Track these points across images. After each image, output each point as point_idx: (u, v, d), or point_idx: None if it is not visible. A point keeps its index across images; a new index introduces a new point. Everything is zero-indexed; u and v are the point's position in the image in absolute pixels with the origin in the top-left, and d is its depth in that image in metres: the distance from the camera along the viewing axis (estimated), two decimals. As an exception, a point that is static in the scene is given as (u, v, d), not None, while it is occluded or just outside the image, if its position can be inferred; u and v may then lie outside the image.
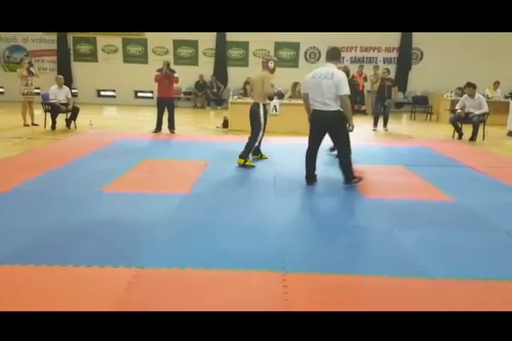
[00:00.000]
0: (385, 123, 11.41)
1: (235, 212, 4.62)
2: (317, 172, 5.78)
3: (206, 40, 15.85)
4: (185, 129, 10.40)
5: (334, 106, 5.28)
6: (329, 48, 5.67)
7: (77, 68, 16.53)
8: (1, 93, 16.70)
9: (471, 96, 9.84)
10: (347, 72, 7.20)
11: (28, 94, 10.37)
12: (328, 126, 5.41)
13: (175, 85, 9.91)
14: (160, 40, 16.03)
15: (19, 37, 16.31)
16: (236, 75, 15.85)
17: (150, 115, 11.99)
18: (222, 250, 3.59)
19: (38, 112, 10.59)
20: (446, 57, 15.47)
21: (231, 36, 15.84)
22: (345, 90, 5.20)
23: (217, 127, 10.89)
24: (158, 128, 9.86)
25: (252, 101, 6.80)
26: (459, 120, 9.99)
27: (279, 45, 16.10)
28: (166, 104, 9.72)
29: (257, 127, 6.64)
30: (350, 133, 5.56)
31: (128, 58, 16.49)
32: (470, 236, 4.06)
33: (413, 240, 3.92)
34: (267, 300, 2.85)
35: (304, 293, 2.97)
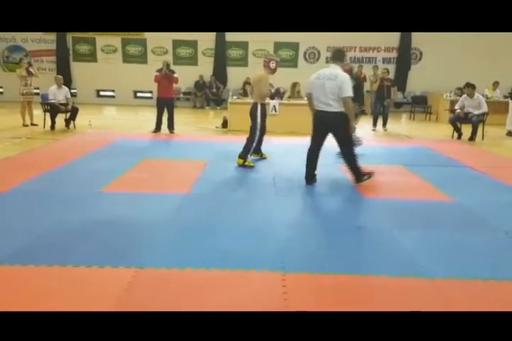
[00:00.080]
0: (385, 123, 11.42)
1: (235, 212, 4.62)
2: (317, 172, 5.78)
3: (206, 40, 15.85)
4: (184, 129, 10.41)
5: (337, 107, 5.30)
6: (334, 49, 5.70)
7: (77, 68, 16.52)
8: (1, 93, 16.70)
9: (471, 96, 9.85)
10: (350, 70, 7.19)
11: (28, 94, 10.37)
12: (331, 126, 5.43)
13: (174, 85, 9.91)
14: (159, 40, 16.03)
15: (18, 37, 16.31)
16: (235, 75, 15.86)
17: (149, 115, 11.99)
18: (222, 250, 3.59)
19: (38, 112, 10.59)
20: (445, 57, 15.48)
21: (230, 36, 15.84)
22: (348, 92, 5.23)
23: (216, 127, 10.89)
24: (158, 128, 9.86)
25: (252, 101, 6.81)
26: (458, 120, 10.00)
27: (278, 45, 16.10)
28: (165, 104, 9.72)
29: (254, 127, 6.64)
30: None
31: (127, 58, 16.49)
32: (470, 236, 4.06)
33: (413, 240, 3.92)
34: (266, 300, 2.86)
35: (304, 293, 2.97)
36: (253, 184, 5.82)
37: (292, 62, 16.12)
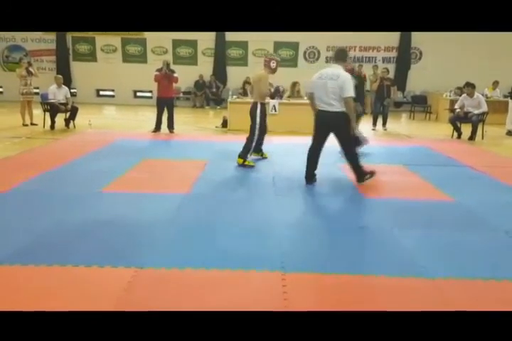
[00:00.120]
0: (384, 123, 11.43)
1: (235, 211, 4.62)
2: (317, 171, 5.78)
3: (205, 39, 15.85)
4: (184, 129, 10.41)
5: (339, 107, 5.31)
6: (336, 49, 5.71)
7: (76, 68, 16.53)
8: (0, 93, 16.71)
9: (470, 95, 9.85)
10: (352, 70, 7.19)
11: (27, 93, 10.37)
12: (332, 126, 5.44)
13: (174, 85, 9.91)
14: (159, 40, 16.03)
15: (18, 37, 16.31)
16: (235, 75, 15.86)
17: (149, 115, 11.99)
18: (222, 250, 3.59)
19: (37, 112, 10.59)
20: (445, 56, 15.48)
21: (230, 36, 15.84)
22: (350, 92, 5.24)
23: (216, 127, 10.89)
24: (158, 128, 9.86)
25: (252, 100, 6.81)
26: (458, 119, 10.00)
27: (278, 45, 16.10)
28: (165, 104, 9.72)
29: (254, 126, 6.64)
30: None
31: (127, 58, 16.49)
32: (470, 235, 4.06)
33: (413, 240, 3.92)
34: (266, 300, 2.85)
35: (304, 293, 2.97)
36: (253, 184, 5.82)
37: (292, 62, 16.12)
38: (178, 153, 7.61)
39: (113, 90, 16.88)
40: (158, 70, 9.64)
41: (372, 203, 5.06)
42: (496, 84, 13.64)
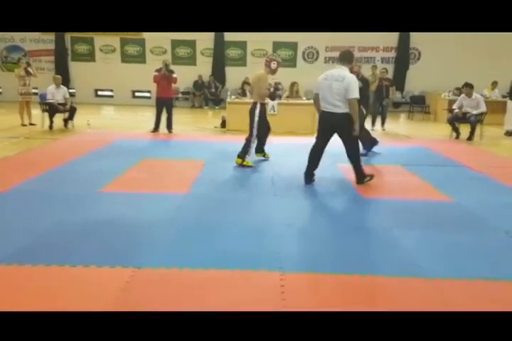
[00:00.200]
0: (383, 123, 11.44)
1: (234, 212, 4.63)
2: (316, 172, 5.78)
3: (204, 39, 15.84)
4: (183, 129, 10.40)
5: (343, 108, 5.33)
6: (342, 51, 5.71)
7: (75, 68, 16.51)
8: (-1, 93, 16.69)
9: (469, 95, 9.87)
10: (358, 72, 7.20)
11: (26, 94, 10.37)
12: (337, 127, 5.47)
13: (173, 85, 9.91)
14: (158, 40, 16.01)
15: (17, 37, 16.29)
16: (234, 75, 15.86)
17: (148, 115, 11.99)
18: (221, 250, 3.59)
19: (36, 112, 10.58)
20: (443, 56, 15.49)
21: (229, 36, 15.83)
22: (355, 94, 5.27)
23: (215, 127, 10.89)
24: (157, 128, 9.86)
25: (252, 101, 6.81)
26: (456, 120, 10.01)
27: (277, 45, 16.10)
28: (164, 104, 9.73)
29: (252, 126, 6.64)
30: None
31: (126, 58, 16.48)
32: (469, 236, 4.06)
33: (412, 240, 3.93)
34: (264, 300, 2.85)
35: (302, 293, 2.98)
36: (252, 184, 5.82)
37: (291, 62, 16.11)
38: (177, 153, 7.61)
39: (112, 90, 16.87)
40: (157, 71, 9.63)
41: (371, 203, 5.07)
42: (494, 84, 13.67)
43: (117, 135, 9.30)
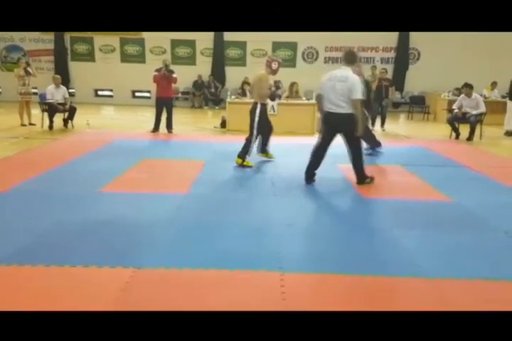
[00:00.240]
0: (383, 123, 11.44)
1: (234, 212, 4.63)
2: (316, 171, 5.78)
3: (204, 39, 15.83)
4: (183, 129, 10.40)
5: (347, 109, 5.34)
6: (345, 51, 5.73)
7: (75, 68, 16.49)
8: (-1, 93, 16.68)
9: (468, 96, 9.88)
10: (359, 72, 7.19)
11: (26, 93, 10.36)
12: (340, 127, 5.49)
13: (173, 85, 9.91)
14: (157, 40, 16.00)
15: (16, 37, 16.27)
16: (234, 75, 15.85)
17: (148, 115, 11.99)
18: (221, 250, 3.60)
19: (36, 112, 10.57)
20: (443, 57, 15.48)
21: (229, 36, 15.82)
22: (358, 94, 5.29)
23: (215, 127, 10.89)
24: (156, 128, 9.85)
25: (252, 101, 6.81)
26: (456, 120, 10.02)
27: (276, 45, 16.09)
28: (164, 104, 9.72)
29: (252, 126, 6.64)
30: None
31: (125, 58, 16.47)
32: (469, 236, 4.07)
33: (412, 240, 3.93)
34: (264, 300, 2.86)
35: (302, 293, 2.98)
36: (252, 184, 5.82)
37: (290, 62, 16.10)
38: (176, 153, 7.61)
39: (111, 90, 16.86)
40: (157, 70, 9.63)
41: (371, 203, 5.07)
42: (494, 84, 13.67)
43: (117, 135, 9.29)
